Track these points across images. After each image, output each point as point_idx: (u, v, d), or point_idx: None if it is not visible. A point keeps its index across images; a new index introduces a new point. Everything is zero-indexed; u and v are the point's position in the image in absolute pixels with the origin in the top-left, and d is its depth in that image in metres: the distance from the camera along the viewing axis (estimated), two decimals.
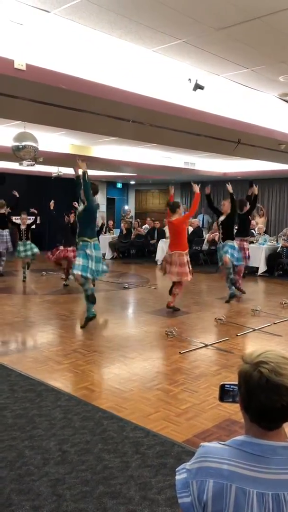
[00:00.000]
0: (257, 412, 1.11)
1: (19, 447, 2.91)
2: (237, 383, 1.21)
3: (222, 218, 7.69)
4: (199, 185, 7.12)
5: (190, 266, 6.83)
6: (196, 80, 5.13)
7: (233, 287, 7.69)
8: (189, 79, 5.18)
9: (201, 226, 14.28)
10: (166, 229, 14.10)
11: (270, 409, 1.09)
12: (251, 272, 11.19)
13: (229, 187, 7.58)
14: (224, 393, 1.33)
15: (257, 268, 10.94)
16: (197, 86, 5.11)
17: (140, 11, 3.78)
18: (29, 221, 9.97)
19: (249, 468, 1.09)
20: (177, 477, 1.17)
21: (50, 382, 4.02)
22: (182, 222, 6.83)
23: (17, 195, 10.18)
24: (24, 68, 3.94)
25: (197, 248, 12.68)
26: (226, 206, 7.63)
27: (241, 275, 8.49)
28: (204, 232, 13.59)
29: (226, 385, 1.33)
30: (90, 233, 5.80)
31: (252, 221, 12.47)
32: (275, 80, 5.57)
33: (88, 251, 5.69)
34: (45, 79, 4.13)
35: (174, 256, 6.71)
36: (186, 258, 6.75)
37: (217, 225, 8.05)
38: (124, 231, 14.23)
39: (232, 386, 1.31)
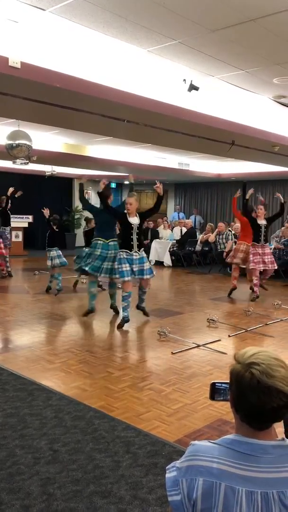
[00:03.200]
0: (247, 412, 1.12)
1: (10, 446, 2.90)
2: (228, 381, 1.21)
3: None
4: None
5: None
6: (191, 81, 5.14)
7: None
8: (184, 80, 5.20)
9: (193, 227, 14.30)
10: (160, 229, 14.13)
11: (260, 411, 1.09)
12: (243, 274, 11.21)
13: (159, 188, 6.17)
14: (215, 392, 1.34)
15: None
16: (192, 87, 5.13)
17: (135, 11, 3.79)
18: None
19: (239, 467, 1.09)
20: (167, 475, 1.18)
21: (42, 381, 4.01)
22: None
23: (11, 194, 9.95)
24: (18, 66, 3.93)
25: (190, 249, 12.70)
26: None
27: (266, 277, 8.46)
28: (197, 233, 13.61)
29: (217, 384, 1.33)
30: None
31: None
32: (269, 82, 5.59)
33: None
34: (39, 77, 4.12)
35: (243, 245, 8.04)
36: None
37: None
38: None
39: (223, 385, 1.32)
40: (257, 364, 1.11)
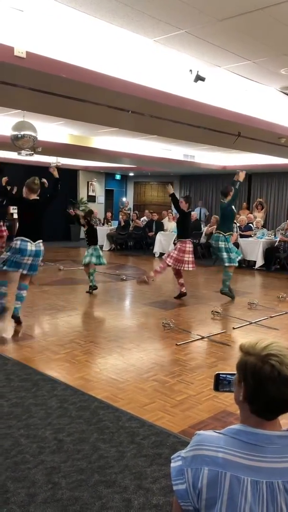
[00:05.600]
0: (264, 404, 1.11)
1: (15, 435, 2.92)
2: (233, 372, 1.21)
3: None
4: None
5: None
6: (197, 71, 5.10)
7: None
8: (190, 70, 5.15)
9: (198, 219, 14.26)
10: (165, 221, 14.10)
11: (278, 401, 1.10)
12: (248, 266, 11.21)
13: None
14: (219, 383, 1.34)
15: (255, 261, 10.96)
16: (198, 78, 5.09)
17: (142, 0, 3.74)
18: None
19: (244, 457, 1.09)
20: (172, 464, 1.18)
21: (47, 372, 4.03)
22: None
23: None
24: (24, 55, 3.91)
25: (195, 241, 12.66)
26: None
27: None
28: (202, 225, 13.57)
29: (221, 375, 1.33)
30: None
31: (241, 216, 12.42)
32: (276, 73, 5.54)
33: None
34: (45, 67, 4.10)
35: None
36: None
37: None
38: (122, 223, 14.20)
39: (227, 376, 1.32)
40: (274, 355, 1.11)
